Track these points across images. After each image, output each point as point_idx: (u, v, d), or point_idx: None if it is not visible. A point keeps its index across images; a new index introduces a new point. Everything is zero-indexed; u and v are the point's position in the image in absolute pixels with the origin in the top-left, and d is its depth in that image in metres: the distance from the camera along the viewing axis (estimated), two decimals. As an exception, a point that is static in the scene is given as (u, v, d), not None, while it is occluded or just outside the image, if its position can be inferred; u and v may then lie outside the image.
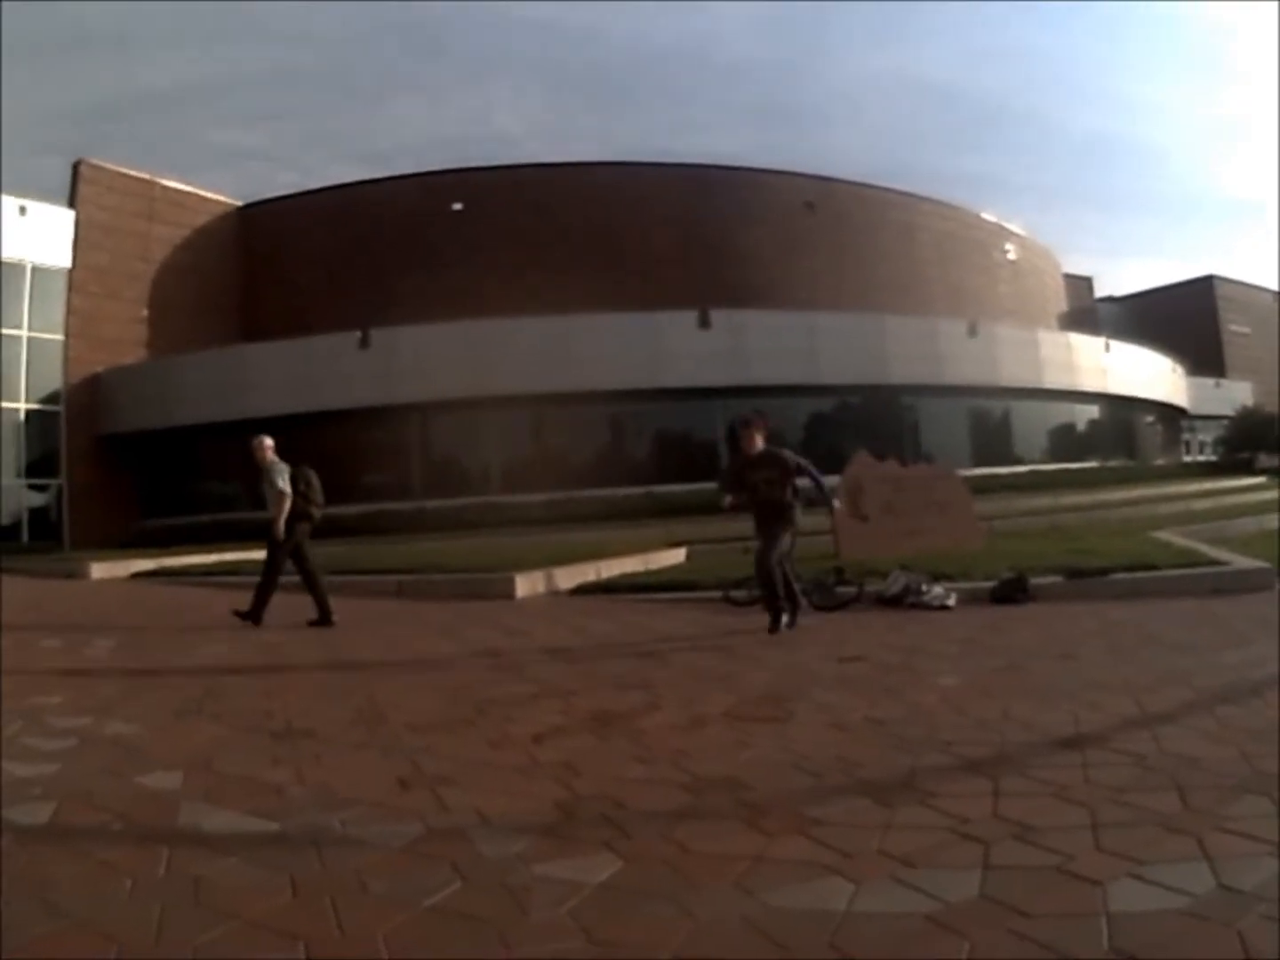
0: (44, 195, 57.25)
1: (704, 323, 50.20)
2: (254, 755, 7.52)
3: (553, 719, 8.35)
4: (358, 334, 50.32)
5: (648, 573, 22.18)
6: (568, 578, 21.01)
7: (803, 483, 13.76)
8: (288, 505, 16.33)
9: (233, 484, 49.60)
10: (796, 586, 13.85)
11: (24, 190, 55.74)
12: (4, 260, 53.34)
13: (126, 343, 59.03)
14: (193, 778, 6.90)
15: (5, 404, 53.64)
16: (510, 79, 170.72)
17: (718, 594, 16.89)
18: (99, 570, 31.62)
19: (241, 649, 13.93)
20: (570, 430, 51.27)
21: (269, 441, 16.85)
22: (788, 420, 51.76)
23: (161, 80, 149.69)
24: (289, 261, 67.14)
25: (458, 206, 65.98)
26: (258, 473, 16.80)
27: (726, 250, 67.83)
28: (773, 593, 13.12)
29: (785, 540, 13.56)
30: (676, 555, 25.74)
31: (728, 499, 13.95)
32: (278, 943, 4.17)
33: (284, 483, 16.37)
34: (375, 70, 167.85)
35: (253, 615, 16.23)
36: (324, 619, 16.25)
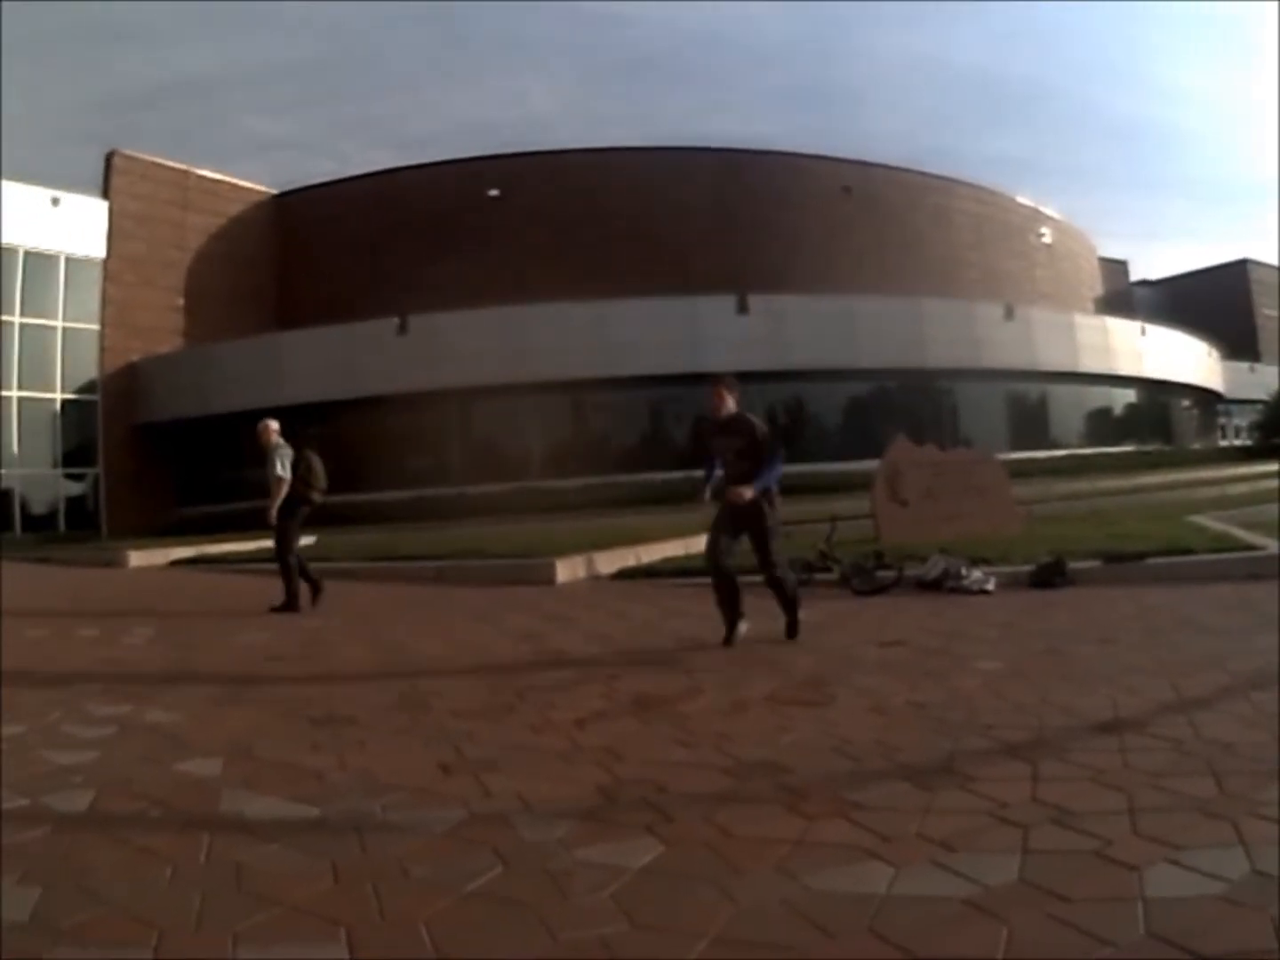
0: (77, 186, 57.59)
1: (742, 308, 50.22)
2: (294, 742, 7.58)
3: (594, 703, 8.40)
4: (396, 320, 50.52)
5: (689, 557, 21.89)
6: (608, 562, 20.97)
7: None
8: (284, 490, 16.49)
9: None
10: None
11: (57, 181, 56.12)
12: (39, 251, 53.74)
13: (162, 331, 59.41)
14: (233, 764, 6.97)
15: (41, 394, 53.93)
16: (543, 63, 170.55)
17: (758, 579, 16.89)
18: (137, 558, 31.65)
19: (281, 636, 13.99)
20: (609, 415, 51.52)
21: (274, 425, 17.03)
22: (827, 405, 51.94)
23: (193, 70, 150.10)
24: (325, 249, 67.41)
25: (494, 192, 66.03)
26: (262, 456, 16.88)
27: (764, 235, 67.85)
28: (789, 595, 11.65)
29: (778, 534, 11.75)
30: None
31: (699, 488, 12.08)
32: (319, 928, 4.23)
33: (283, 468, 16.53)
34: (407, 56, 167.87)
35: (289, 605, 16.36)
36: (289, 605, 16.46)
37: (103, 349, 57.30)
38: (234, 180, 68.92)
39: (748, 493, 11.07)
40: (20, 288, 54.01)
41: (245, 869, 4.93)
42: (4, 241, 52.91)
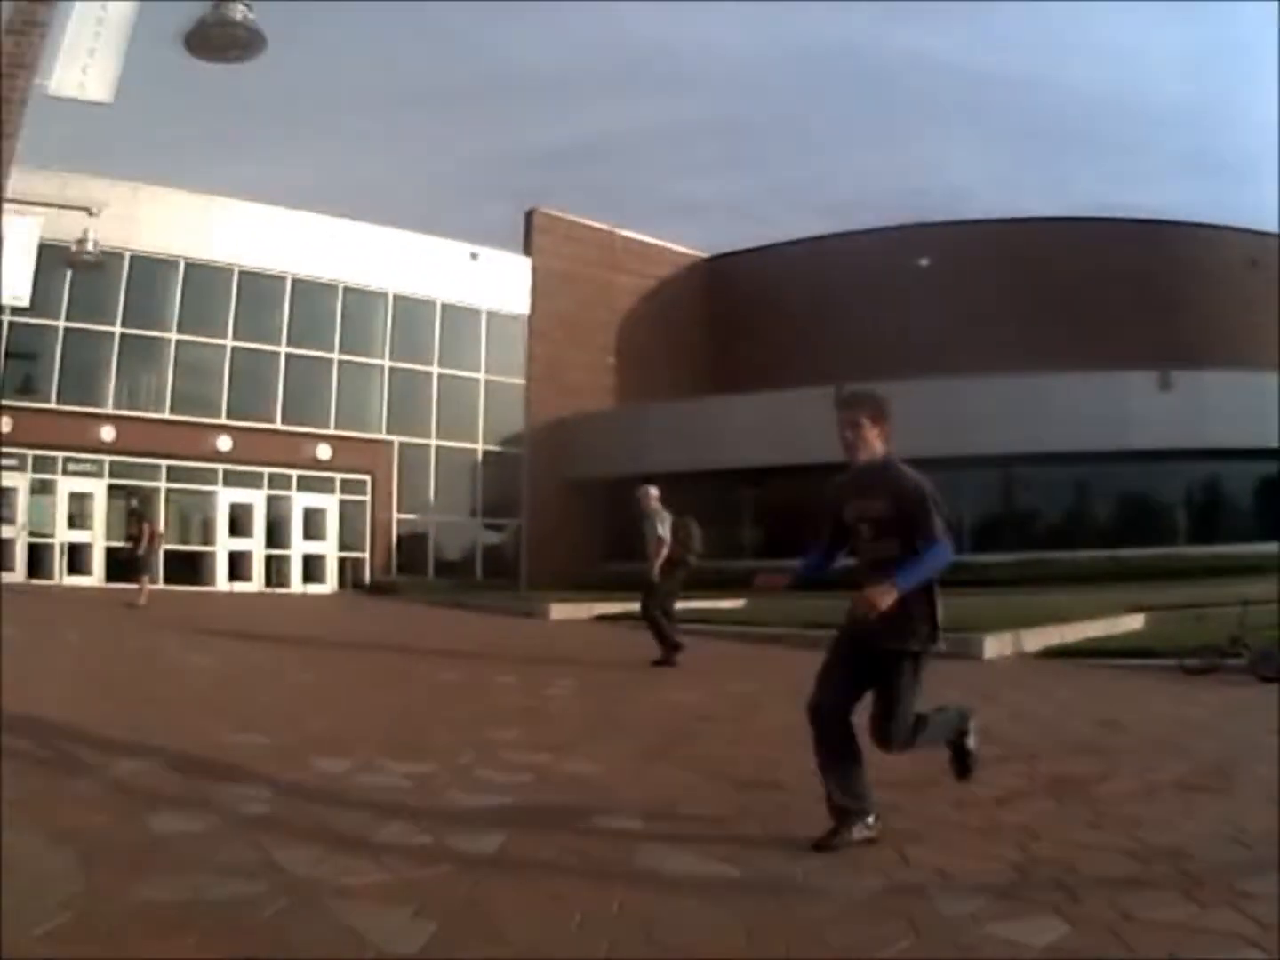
0: (492, 241, 59.67)
1: (1165, 383, 49.26)
2: (719, 802, 7.81)
3: (1015, 782, 8.59)
4: (834, 388, 50.60)
5: (1107, 638, 21.94)
6: (1034, 640, 20.68)
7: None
8: (665, 551, 17.54)
9: (705, 531, 50.38)
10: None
11: (474, 236, 58.37)
12: (458, 305, 55.80)
13: (592, 389, 59.98)
14: (654, 820, 7.25)
15: (461, 444, 55.38)
16: (958, 129, 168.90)
17: (1173, 662, 16.87)
18: (559, 611, 31.82)
19: (709, 696, 14.34)
20: (1036, 490, 51.09)
21: (654, 492, 18.18)
22: (1240, 485, 50.90)
23: (615, 128, 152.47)
24: (758, 313, 67.11)
25: (924, 261, 65.63)
26: (642, 520, 18.13)
27: (1178, 308, 66.40)
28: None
29: (919, 684, 7.08)
30: (1135, 621, 25.17)
31: (761, 577, 8.13)
32: (725, 984, 4.40)
33: (664, 530, 17.59)
34: (830, 121, 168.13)
35: (667, 657, 17.22)
36: (668, 659, 17.23)
37: (529, 403, 58.38)
38: (662, 243, 69.64)
39: (882, 600, 6.39)
40: (439, 340, 56.02)
41: (657, 922, 5.10)
42: (424, 294, 55.26)
